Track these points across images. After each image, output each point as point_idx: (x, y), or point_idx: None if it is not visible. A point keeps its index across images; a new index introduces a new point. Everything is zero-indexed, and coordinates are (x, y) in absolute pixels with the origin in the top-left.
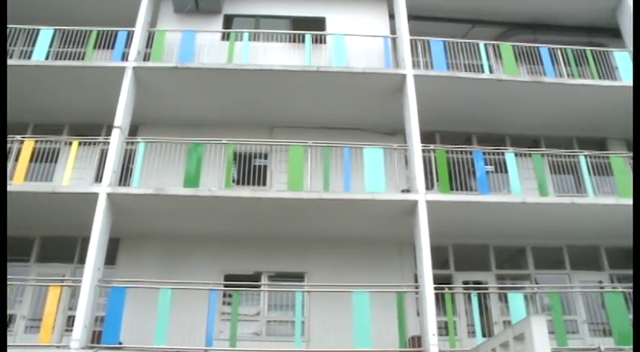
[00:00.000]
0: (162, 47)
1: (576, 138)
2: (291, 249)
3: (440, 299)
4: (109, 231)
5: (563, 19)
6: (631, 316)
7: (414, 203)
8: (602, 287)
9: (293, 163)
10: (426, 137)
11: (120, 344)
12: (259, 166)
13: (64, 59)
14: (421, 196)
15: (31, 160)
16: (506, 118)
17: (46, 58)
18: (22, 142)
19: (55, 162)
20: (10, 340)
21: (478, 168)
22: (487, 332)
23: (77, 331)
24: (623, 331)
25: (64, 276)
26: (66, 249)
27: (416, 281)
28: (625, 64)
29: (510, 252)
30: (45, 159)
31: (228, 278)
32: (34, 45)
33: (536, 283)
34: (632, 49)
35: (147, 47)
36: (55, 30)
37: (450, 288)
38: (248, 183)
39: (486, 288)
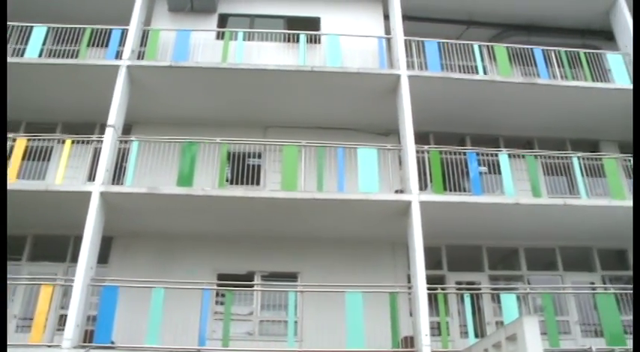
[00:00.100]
0: (156, 46)
1: (569, 140)
2: (285, 249)
3: (433, 299)
4: (102, 229)
5: (557, 21)
6: (622, 317)
7: (408, 203)
8: (594, 289)
9: (287, 163)
10: (420, 138)
11: (112, 343)
12: (253, 166)
13: (58, 57)
14: (415, 197)
15: (23, 158)
16: (500, 119)
17: (39, 56)
18: (14, 140)
19: (48, 160)
20: None
21: (472, 169)
22: (480, 332)
23: (69, 330)
24: (615, 332)
25: (56, 275)
26: (58, 248)
27: (409, 281)
28: (618, 66)
29: (503, 252)
30: (38, 157)
31: (221, 277)
32: (27, 42)
33: (529, 284)
34: (624, 51)
35: (141, 46)
36: (49, 28)
37: (442, 289)
38: (242, 183)
39: (479, 289)
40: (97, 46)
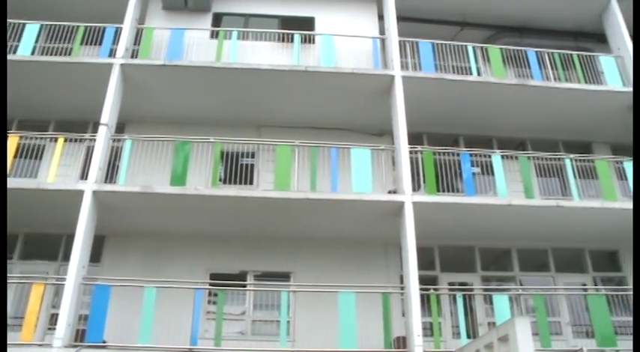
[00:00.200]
0: (150, 44)
1: (562, 142)
2: (278, 249)
3: (425, 300)
4: (94, 228)
5: (550, 23)
6: (613, 318)
7: (401, 204)
8: (585, 290)
9: (280, 163)
10: (414, 138)
11: (104, 342)
12: (246, 165)
13: (51, 55)
14: (408, 197)
15: (15, 156)
16: (493, 121)
17: (32, 54)
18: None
19: (40, 158)
20: None
21: (465, 170)
22: (472, 333)
23: (60, 329)
24: (605, 333)
25: (47, 274)
26: (50, 247)
27: (401, 282)
28: (610, 68)
29: (496, 253)
30: (30, 155)
31: (213, 277)
32: (19, 40)
33: (521, 285)
34: (617, 54)
35: (135, 44)
36: (42, 25)
37: (435, 289)
38: (235, 182)
39: (471, 290)
40: (91, 43)
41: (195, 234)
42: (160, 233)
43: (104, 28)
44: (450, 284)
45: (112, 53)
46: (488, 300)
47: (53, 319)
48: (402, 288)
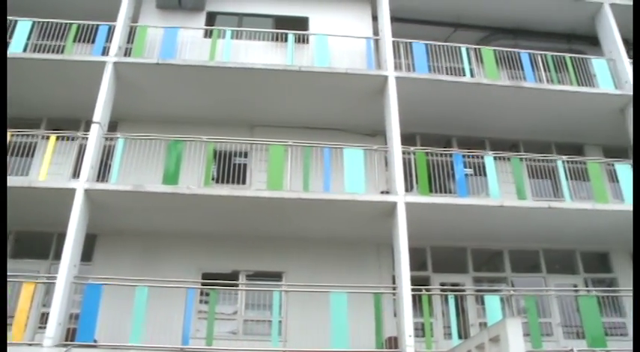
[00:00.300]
0: (143, 43)
1: (554, 144)
2: (270, 249)
3: (417, 300)
4: (86, 227)
5: (543, 25)
6: (603, 319)
7: (393, 204)
8: (576, 291)
9: (273, 162)
10: (407, 139)
11: (95, 342)
12: (239, 165)
13: (43, 52)
14: (400, 198)
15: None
16: (486, 122)
17: (24, 51)
18: None
19: (32, 156)
20: None
21: (457, 171)
22: (463, 333)
23: (51, 328)
24: (596, 334)
25: (38, 272)
26: (41, 245)
27: (394, 282)
28: (603, 71)
29: (488, 254)
30: (21, 153)
31: (205, 276)
32: (11, 36)
33: (513, 286)
34: (609, 56)
35: (128, 42)
36: (34, 22)
37: (427, 290)
38: (227, 182)
39: (463, 290)
40: (84, 41)
41: (188, 234)
42: (152, 232)
43: (97, 26)
44: (442, 284)
45: (105, 51)
46: (480, 301)
47: (44, 318)
48: (394, 289)
